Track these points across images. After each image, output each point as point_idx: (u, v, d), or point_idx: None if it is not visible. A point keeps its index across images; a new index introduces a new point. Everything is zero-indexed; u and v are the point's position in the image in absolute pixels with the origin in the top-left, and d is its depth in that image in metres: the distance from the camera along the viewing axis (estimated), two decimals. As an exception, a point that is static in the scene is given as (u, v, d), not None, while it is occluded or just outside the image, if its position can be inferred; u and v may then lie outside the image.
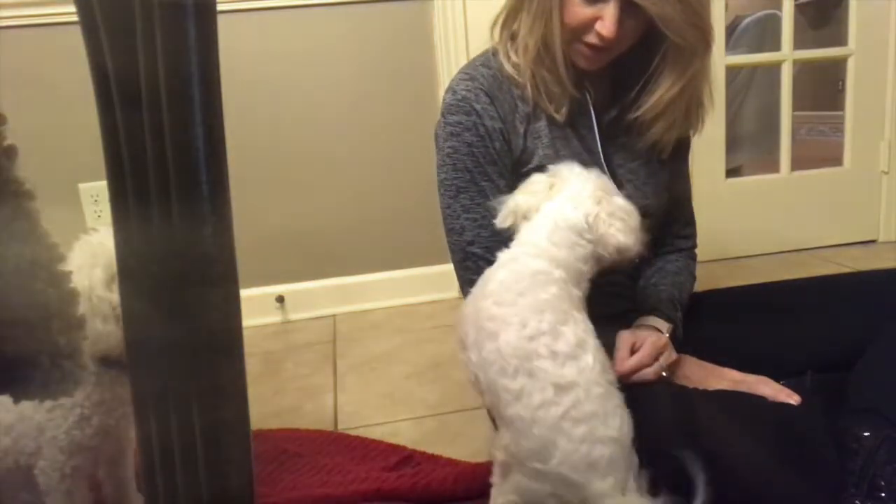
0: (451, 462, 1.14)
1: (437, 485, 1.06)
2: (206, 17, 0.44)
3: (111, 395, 0.87)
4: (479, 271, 0.86)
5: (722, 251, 2.22)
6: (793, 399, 0.91)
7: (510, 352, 0.66)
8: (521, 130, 0.98)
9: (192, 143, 0.45)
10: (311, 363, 1.71)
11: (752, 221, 2.25)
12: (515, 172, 1.00)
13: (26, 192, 0.45)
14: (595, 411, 0.61)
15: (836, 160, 2.32)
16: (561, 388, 0.62)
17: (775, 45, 2.23)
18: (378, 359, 1.70)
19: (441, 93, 1.09)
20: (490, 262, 0.85)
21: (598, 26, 0.88)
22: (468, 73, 0.99)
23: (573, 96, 0.97)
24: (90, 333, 0.76)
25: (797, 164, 2.28)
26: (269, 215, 1.99)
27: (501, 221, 0.86)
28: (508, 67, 0.97)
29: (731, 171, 2.36)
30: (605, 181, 0.86)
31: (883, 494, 0.81)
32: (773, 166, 2.31)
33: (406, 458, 1.18)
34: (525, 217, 0.82)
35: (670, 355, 0.94)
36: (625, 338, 0.95)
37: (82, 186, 1.89)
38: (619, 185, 0.96)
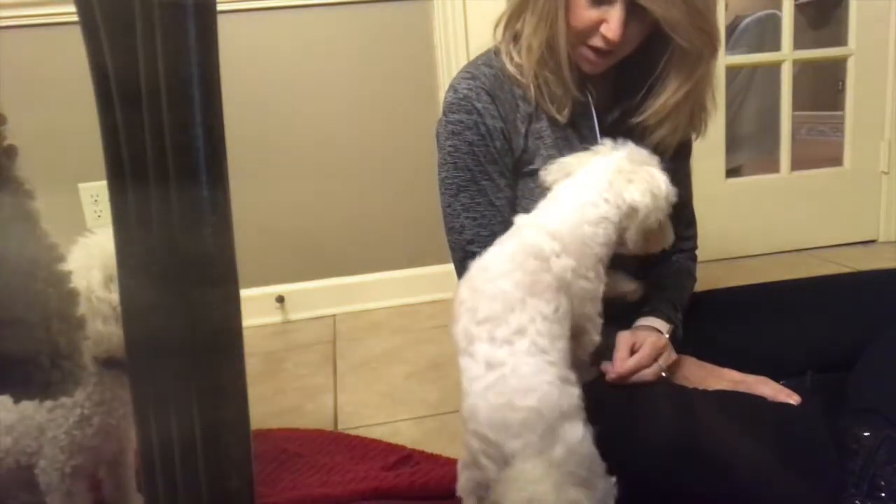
0: (450, 461, 1.14)
1: (435, 484, 1.06)
2: (206, 17, 0.44)
3: (112, 395, 0.87)
4: None
5: (722, 251, 2.21)
6: (793, 399, 0.91)
7: (462, 335, 0.74)
8: (523, 130, 0.98)
9: (192, 143, 0.45)
10: (311, 363, 1.71)
11: (752, 221, 2.25)
12: (516, 172, 1.00)
13: (26, 192, 0.45)
14: (517, 386, 0.68)
15: (836, 160, 2.32)
16: (491, 365, 0.70)
17: (775, 45, 2.23)
18: (378, 359, 1.70)
19: (441, 92, 1.09)
20: None
21: (604, 29, 0.87)
22: (470, 71, 0.99)
23: (575, 97, 0.97)
24: (91, 334, 0.77)
25: (797, 164, 2.27)
26: (270, 215, 1.99)
27: (552, 180, 0.89)
28: (511, 67, 0.97)
29: (731, 171, 2.36)
30: (639, 151, 0.88)
31: (883, 494, 0.81)
32: (773, 166, 2.30)
33: (405, 457, 1.18)
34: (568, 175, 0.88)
35: (670, 356, 0.94)
36: (624, 338, 0.94)
37: (82, 186, 1.90)
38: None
